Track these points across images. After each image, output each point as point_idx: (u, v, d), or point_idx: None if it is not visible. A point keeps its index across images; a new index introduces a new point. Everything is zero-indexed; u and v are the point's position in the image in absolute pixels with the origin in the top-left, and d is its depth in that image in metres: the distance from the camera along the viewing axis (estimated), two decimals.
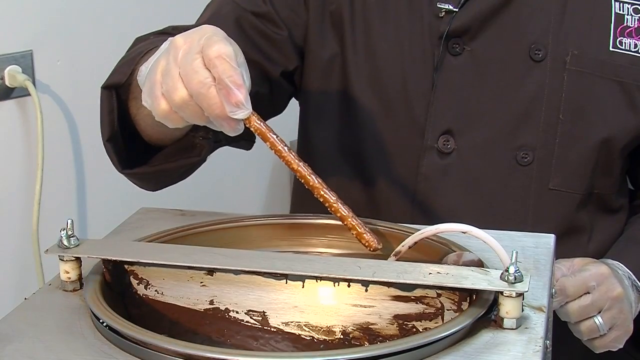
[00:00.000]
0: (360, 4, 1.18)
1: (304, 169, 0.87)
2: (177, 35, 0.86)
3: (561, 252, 1.05)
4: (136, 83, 0.96)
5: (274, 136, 0.86)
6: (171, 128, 0.90)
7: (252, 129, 0.85)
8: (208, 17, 1.19)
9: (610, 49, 1.17)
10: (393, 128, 1.19)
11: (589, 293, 1.08)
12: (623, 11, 1.17)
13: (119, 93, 1.01)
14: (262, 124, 0.85)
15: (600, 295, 1.09)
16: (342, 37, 1.19)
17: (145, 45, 1.03)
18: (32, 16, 1.61)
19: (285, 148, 0.86)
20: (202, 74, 0.82)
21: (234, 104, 0.82)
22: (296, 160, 0.86)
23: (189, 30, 0.87)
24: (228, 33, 1.06)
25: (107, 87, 1.01)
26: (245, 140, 1.16)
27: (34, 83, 1.61)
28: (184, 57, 0.83)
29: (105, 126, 1.02)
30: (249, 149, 1.19)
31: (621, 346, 1.13)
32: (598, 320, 1.09)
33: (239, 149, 1.18)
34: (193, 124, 0.89)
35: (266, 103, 1.20)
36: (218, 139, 1.06)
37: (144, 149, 1.05)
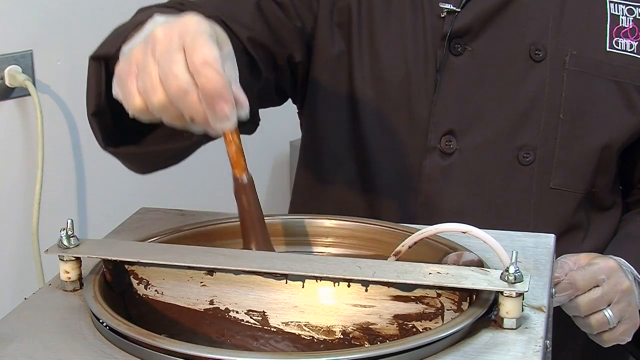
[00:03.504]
0: (367, 1, 1.18)
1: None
2: (157, 26, 0.80)
3: (558, 250, 1.05)
4: None
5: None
6: None
7: (225, 141, 0.82)
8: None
9: (607, 49, 1.17)
10: (396, 128, 1.19)
11: (598, 286, 1.08)
12: (618, 12, 1.18)
13: (109, 65, 0.92)
14: (239, 142, 0.83)
15: (610, 288, 1.08)
16: (349, 35, 1.19)
17: (142, 17, 0.94)
18: (32, 16, 1.61)
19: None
20: (183, 79, 0.76)
21: (219, 116, 0.77)
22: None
23: (169, 20, 0.80)
24: (249, 16, 1.02)
25: (95, 58, 0.93)
26: (251, 123, 1.09)
27: (34, 83, 1.61)
28: (163, 55, 0.77)
29: (91, 99, 0.94)
30: (252, 133, 1.12)
31: (629, 339, 1.13)
32: (608, 313, 1.09)
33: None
34: None
35: (270, 90, 1.18)
36: None
37: (134, 128, 0.96)
